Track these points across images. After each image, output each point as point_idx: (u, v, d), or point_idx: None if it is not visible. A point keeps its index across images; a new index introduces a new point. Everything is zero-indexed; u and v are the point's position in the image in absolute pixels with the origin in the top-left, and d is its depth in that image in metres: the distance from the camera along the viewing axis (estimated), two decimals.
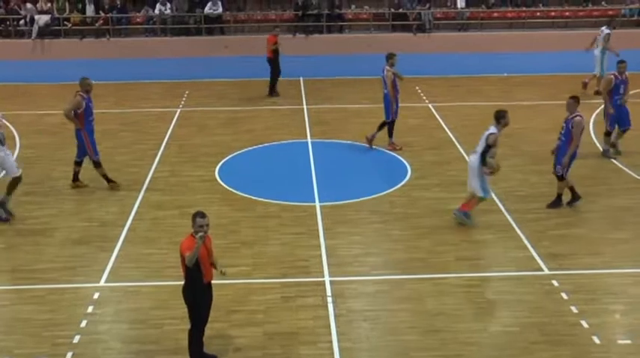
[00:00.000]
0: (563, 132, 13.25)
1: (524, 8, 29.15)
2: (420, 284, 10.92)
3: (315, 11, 28.03)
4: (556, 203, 13.43)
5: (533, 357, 9.19)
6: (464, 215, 12.61)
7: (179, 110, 20.12)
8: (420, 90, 21.33)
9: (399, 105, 16.69)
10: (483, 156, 12.22)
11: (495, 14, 28.96)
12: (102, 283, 10.99)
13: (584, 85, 21.04)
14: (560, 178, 13.29)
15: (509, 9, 29.18)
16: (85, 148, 14.11)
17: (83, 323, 9.90)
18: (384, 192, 14.23)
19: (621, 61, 16.24)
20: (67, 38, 27.56)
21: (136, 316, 10.13)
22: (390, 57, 16.34)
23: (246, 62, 24.94)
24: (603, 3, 29.35)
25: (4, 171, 13.13)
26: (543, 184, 14.07)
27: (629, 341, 9.50)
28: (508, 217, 13.00)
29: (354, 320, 9.99)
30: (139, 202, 13.85)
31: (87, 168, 14.56)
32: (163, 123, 18.78)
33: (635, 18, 28.63)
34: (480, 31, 28.55)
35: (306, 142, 17.26)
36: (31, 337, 9.62)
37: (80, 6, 27.88)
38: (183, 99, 21.29)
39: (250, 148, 16.87)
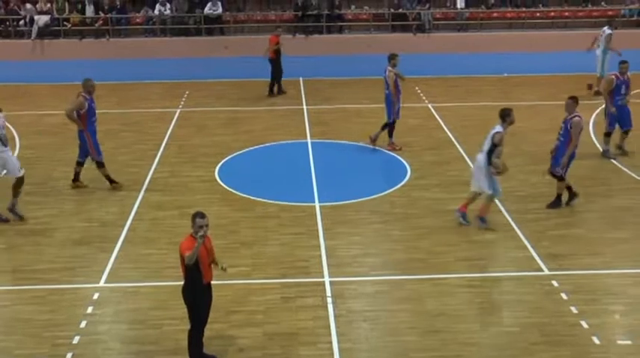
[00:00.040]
0: (561, 132, 13.25)
1: (523, 8, 29.16)
2: (420, 284, 10.92)
3: (315, 12, 28.04)
4: (556, 203, 13.43)
5: None
6: (482, 221, 12.57)
7: (179, 110, 20.12)
8: (419, 91, 21.34)
9: (401, 105, 16.68)
10: (489, 155, 12.21)
11: (495, 14, 28.97)
12: (101, 283, 10.99)
13: (590, 87, 21.00)
14: (560, 178, 13.29)
15: (509, 9, 29.19)
16: (88, 149, 14.12)
17: (83, 324, 9.90)
18: (384, 193, 14.23)
19: (623, 62, 16.21)
20: (66, 38, 27.57)
21: (136, 316, 10.13)
22: (392, 57, 16.35)
23: (245, 62, 24.94)
24: (603, 3, 29.36)
25: (4, 171, 13.11)
26: (543, 184, 14.06)
27: (628, 342, 9.49)
28: (508, 217, 13.00)
29: (353, 320, 9.99)
30: (138, 202, 13.85)
31: (88, 169, 14.58)
32: (163, 124, 18.78)
33: (635, 18, 28.64)
34: (479, 31, 28.56)
35: (306, 143, 17.26)
36: (31, 337, 9.62)
37: (80, 6, 27.90)
38: (183, 99, 21.29)
39: (250, 148, 16.87)
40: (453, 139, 17.32)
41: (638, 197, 14.04)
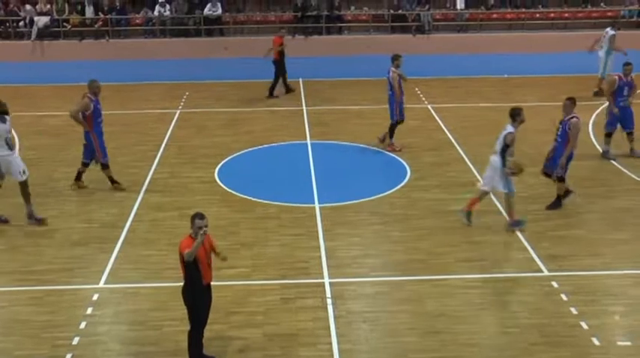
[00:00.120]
0: (559, 133, 13.26)
1: (523, 9, 29.16)
2: (420, 285, 10.91)
3: (315, 12, 28.05)
4: (555, 204, 13.43)
5: None
6: (516, 225, 12.54)
7: (178, 111, 20.12)
8: (419, 92, 21.34)
9: (404, 106, 16.67)
10: (503, 155, 12.21)
11: (494, 15, 28.97)
12: (101, 284, 10.98)
13: (599, 92, 20.89)
14: (560, 179, 13.29)
15: (509, 10, 29.20)
16: (94, 150, 14.12)
17: (82, 325, 9.90)
18: (384, 194, 14.23)
19: (627, 63, 16.17)
20: (66, 39, 27.58)
21: (135, 317, 10.13)
22: (395, 58, 16.35)
23: (245, 63, 24.96)
24: (602, 4, 29.37)
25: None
26: (543, 185, 14.06)
27: (628, 343, 9.49)
28: (508, 218, 12.98)
29: (353, 321, 9.98)
30: (138, 203, 13.85)
31: (90, 170, 14.60)
32: (163, 125, 18.78)
33: (635, 19, 28.65)
34: (479, 32, 28.57)
35: (306, 143, 17.26)
36: (30, 338, 9.62)
37: (79, 7, 27.91)
38: (183, 100, 21.29)
39: (250, 149, 16.87)
40: (452, 140, 17.32)
41: (638, 198, 14.04)
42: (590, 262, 11.59)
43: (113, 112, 19.67)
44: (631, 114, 16.06)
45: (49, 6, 27.63)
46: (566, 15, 29.00)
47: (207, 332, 9.09)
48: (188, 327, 8.93)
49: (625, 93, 15.93)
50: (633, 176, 15.08)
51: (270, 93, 21.44)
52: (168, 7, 27.88)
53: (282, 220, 13.13)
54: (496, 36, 27.92)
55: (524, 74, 23.91)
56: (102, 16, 27.60)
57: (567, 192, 13.48)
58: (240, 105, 20.75)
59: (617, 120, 15.99)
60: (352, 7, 29.36)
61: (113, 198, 14.12)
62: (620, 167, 15.57)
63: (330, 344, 9.44)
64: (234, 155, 16.50)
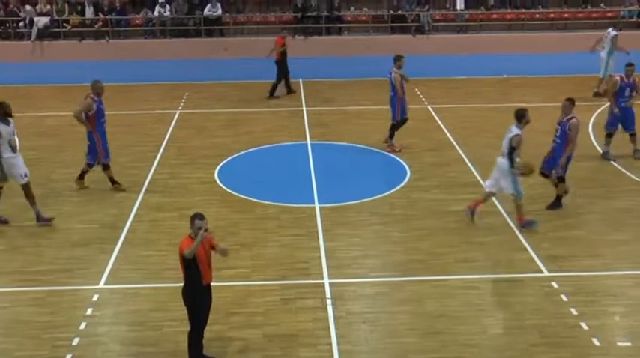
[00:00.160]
0: (558, 134, 13.26)
1: (523, 10, 29.18)
2: (420, 286, 10.91)
3: (314, 13, 28.06)
4: (555, 205, 13.43)
5: None
6: (528, 225, 12.53)
7: (178, 112, 20.12)
8: (419, 92, 21.33)
9: (407, 105, 16.66)
10: (510, 157, 12.20)
11: (494, 16, 28.99)
12: (101, 285, 10.98)
13: (598, 93, 20.88)
14: (560, 179, 13.30)
15: (508, 11, 29.22)
16: (97, 150, 14.12)
17: (82, 325, 9.90)
18: (384, 194, 14.23)
19: (629, 64, 16.13)
20: (66, 40, 27.59)
21: (135, 318, 10.13)
22: (397, 59, 16.34)
23: (245, 64, 24.97)
24: (602, 5, 29.39)
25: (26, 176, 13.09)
26: (542, 186, 14.05)
27: (628, 343, 9.49)
28: (507, 219, 12.99)
29: (353, 322, 9.98)
30: (138, 204, 13.85)
31: (91, 170, 14.61)
32: (163, 125, 18.78)
33: (635, 19, 28.66)
34: (478, 32, 28.58)
35: (306, 144, 17.26)
36: (30, 339, 9.62)
37: (79, 8, 27.91)
38: (183, 101, 21.29)
39: (250, 150, 16.87)
40: (452, 141, 17.32)
41: (638, 198, 14.04)
42: (590, 263, 11.59)
43: (113, 113, 19.58)
44: (632, 115, 16.04)
45: (49, 6, 27.65)
46: (566, 15, 29.02)
47: (207, 333, 9.09)
48: (188, 328, 8.93)
49: (626, 94, 15.91)
50: (633, 177, 15.08)
51: (270, 93, 21.43)
52: (168, 7, 27.90)
53: (281, 221, 13.13)
54: (496, 36, 27.94)
55: (524, 74, 23.91)
56: (102, 16, 27.61)
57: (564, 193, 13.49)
58: (240, 106, 20.75)
59: (618, 120, 15.98)
60: (352, 8, 29.38)
61: (113, 199, 14.12)
62: (619, 168, 15.57)
63: (330, 344, 9.44)
64: (234, 156, 16.50)
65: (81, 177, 14.47)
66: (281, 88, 21.60)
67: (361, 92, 21.89)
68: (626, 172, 15.31)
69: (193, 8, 28.14)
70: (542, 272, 11.27)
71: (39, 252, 12.04)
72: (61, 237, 12.54)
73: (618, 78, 16.10)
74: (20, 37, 27.57)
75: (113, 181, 14.44)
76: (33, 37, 27.04)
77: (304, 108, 20.35)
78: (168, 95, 21.96)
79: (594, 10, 29.11)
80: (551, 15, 29.18)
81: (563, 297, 10.52)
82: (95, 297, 10.62)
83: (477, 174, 15.12)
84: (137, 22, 28.37)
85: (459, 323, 9.91)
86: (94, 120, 13.98)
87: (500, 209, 13.30)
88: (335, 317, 10.00)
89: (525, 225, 12.54)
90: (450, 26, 28.99)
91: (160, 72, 24.53)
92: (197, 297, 8.76)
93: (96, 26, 27.57)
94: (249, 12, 29.28)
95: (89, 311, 10.26)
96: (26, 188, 12.83)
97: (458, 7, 28.85)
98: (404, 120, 16.58)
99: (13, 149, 12.68)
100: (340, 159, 16.36)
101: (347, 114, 19.82)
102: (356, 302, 10.48)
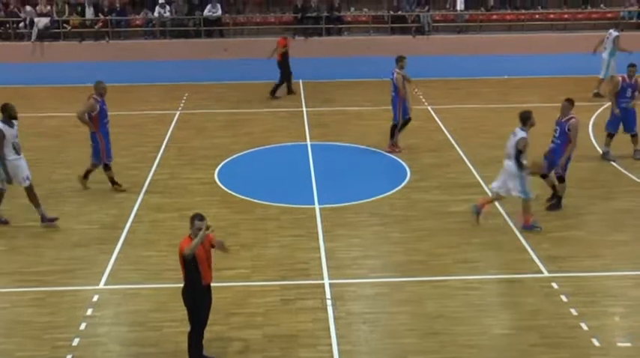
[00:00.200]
0: (556, 135, 13.26)
1: (523, 11, 29.19)
2: (420, 286, 10.91)
3: (315, 14, 28.06)
4: (555, 205, 13.43)
5: None
6: (531, 228, 12.54)
7: (178, 112, 20.13)
8: (419, 93, 21.33)
9: (409, 105, 16.66)
10: (518, 160, 12.19)
11: (494, 17, 29.01)
12: (101, 286, 10.98)
13: (598, 93, 20.87)
14: (560, 180, 13.30)
15: (508, 11, 29.23)
16: (99, 151, 14.13)
17: (82, 326, 9.90)
18: (384, 195, 14.23)
19: (631, 65, 16.09)
20: (66, 41, 27.61)
21: (135, 318, 10.13)
22: (399, 59, 16.33)
23: (245, 65, 24.98)
24: (602, 5, 29.40)
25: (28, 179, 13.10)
26: (542, 187, 14.04)
27: (628, 344, 9.49)
28: (507, 220, 12.99)
29: (353, 322, 9.98)
30: (138, 205, 13.86)
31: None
32: (162, 126, 18.78)
33: (635, 20, 28.66)
34: (478, 33, 28.59)
35: (306, 145, 17.26)
36: (31, 340, 9.62)
37: (79, 9, 27.92)
38: (183, 101, 21.30)
39: (249, 151, 16.87)
40: (452, 141, 17.32)
41: (638, 199, 14.04)
42: (590, 263, 11.59)
43: (113, 113, 19.41)
44: (634, 116, 16.00)
45: (49, 7, 27.66)
46: (566, 16, 29.03)
47: (207, 333, 9.09)
48: (188, 328, 8.93)
49: (628, 94, 15.87)
50: (633, 177, 15.08)
51: (272, 93, 21.42)
52: (168, 8, 27.91)
53: (282, 221, 13.13)
54: (496, 37, 27.95)
55: (524, 75, 23.92)
56: (102, 17, 27.62)
57: (554, 195, 13.47)
58: (240, 107, 20.76)
59: (619, 121, 15.96)
60: (352, 9, 29.40)
61: (113, 200, 14.13)
62: (620, 168, 15.57)
63: (330, 345, 9.43)
64: (234, 156, 16.50)
65: (85, 176, 14.48)
66: (282, 89, 21.60)
67: (361, 93, 21.90)
68: (627, 173, 15.31)
69: (193, 9, 28.16)
70: (542, 272, 11.27)
71: (39, 252, 12.04)
72: (61, 238, 12.54)
73: (620, 78, 16.08)
74: (20, 37, 27.58)
75: (113, 182, 14.46)
76: (33, 37, 27.06)
77: (304, 109, 20.35)
78: (168, 96, 21.96)
79: (594, 10, 29.12)
80: (551, 15, 29.19)
81: (563, 298, 10.52)
82: (95, 298, 10.62)
83: (477, 175, 15.12)
84: (137, 22, 28.39)
85: (459, 323, 9.91)
86: (97, 120, 14.01)
87: (501, 210, 13.30)
88: (335, 318, 10.00)
89: (528, 228, 12.53)
90: (449, 27, 29.01)
91: (159, 72, 24.54)
92: (197, 298, 8.76)
93: (96, 27, 27.59)
94: (249, 12, 29.30)
95: (89, 311, 10.26)
96: (29, 191, 12.84)
97: (458, 8, 28.86)
98: (407, 121, 16.57)
99: (17, 151, 12.69)
100: (340, 160, 16.36)
101: (347, 114, 19.82)
102: (356, 303, 10.48)
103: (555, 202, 13.45)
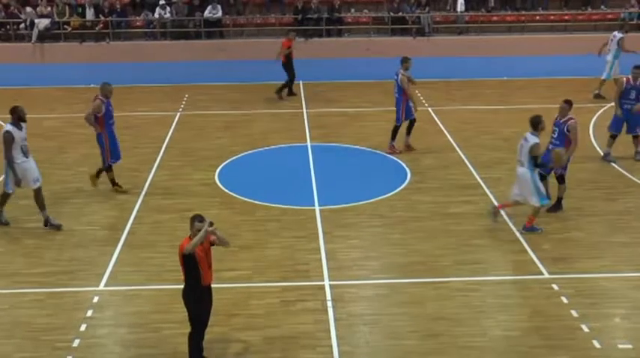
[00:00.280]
0: (555, 136, 13.25)
1: (523, 12, 29.19)
2: (420, 288, 10.91)
3: (315, 15, 28.06)
4: (556, 207, 13.42)
5: None
6: (532, 230, 12.52)
7: (179, 114, 20.13)
8: (419, 94, 21.31)
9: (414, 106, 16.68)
10: (536, 164, 12.15)
11: (495, 18, 29.01)
12: (101, 287, 10.97)
13: (599, 94, 20.85)
14: (561, 181, 13.29)
15: (509, 12, 29.23)
16: (104, 151, 14.13)
17: (82, 327, 9.89)
18: (384, 196, 14.22)
19: (637, 67, 15.94)
20: (66, 42, 27.61)
21: (136, 320, 10.12)
22: (404, 61, 16.33)
23: (245, 66, 24.98)
24: (603, 7, 29.39)
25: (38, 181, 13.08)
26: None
27: (629, 346, 9.48)
28: (508, 221, 12.98)
29: (353, 324, 9.98)
30: (138, 206, 13.85)
31: (89, 172, 14.59)
32: (163, 127, 18.78)
33: (635, 22, 28.65)
34: (479, 34, 28.58)
35: (306, 146, 17.26)
36: (30, 341, 9.61)
37: (80, 10, 27.93)
38: (183, 103, 21.29)
39: (250, 152, 16.87)
40: (453, 143, 17.31)
41: (639, 200, 14.03)
42: (590, 264, 11.58)
43: (114, 114, 19.67)
44: (636, 117, 15.96)
45: (49, 8, 27.66)
46: (567, 17, 29.03)
47: (208, 335, 9.08)
48: (188, 330, 8.92)
49: (631, 96, 15.76)
50: (634, 178, 15.07)
51: (277, 92, 21.42)
52: (168, 9, 27.91)
53: (282, 222, 13.13)
54: (496, 38, 27.95)
55: (525, 76, 23.92)
56: (102, 18, 27.62)
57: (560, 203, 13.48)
58: (240, 108, 20.75)
59: (622, 122, 15.92)
60: (352, 10, 29.39)
61: (113, 201, 14.12)
62: (620, 169, 15.56)
63: (331, 346, 9.43)
64: (235, 157, 16.50)
65: (97, 174, 14.48)
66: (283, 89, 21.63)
67: (362, 94, 21.90)
68: (627, 174, 15.30)
69: (194, 10, 28.15)
70: (542, 274, 11.26)
71: (39, 253, 12.03)
72: (61, 239, 12.53)
73: (625, 79, 16.04)
74: (21, 38, 27.57)
75: (114, 183, 14.46)
76: (33, 38, 27.05)
77: (304, 110, 20.35)
78: (168, 97, 21.96)
79: (594, 12, 29.13)
80: (552, 17, 29.19)
81: (564, 299, 10.51)
82: (95, 299, 10.61)
83: (477, 177, 15.12)
84: (137, 23, 28.39)
85: (459, 325, 9.90)
86: (102, 121, 14.03)
87: (501, 211, 13.28)
88: (335, 319, 9.99)
89: (530, 229, 12.52)
90: (450, 28, 29.01)
91: (160, 73, 24.53)
92: (197, 299, 8.75)
93: (96, 28, 27.59)
94: (250, 14, 29.30)
95: (89, 313, 10.25)
96: (37, 192, 12.83)
97: (458, 9, 28.85)
98: (412, 122, 16.55)
99: (25, 154, 12.68)
100: (340, 161, 16.36)
101: (347, 115, 19.82)
102: (356, 304, 10.47)
103: (556, 203, 13.44)
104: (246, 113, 20.16)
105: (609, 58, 21.00)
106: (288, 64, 21.38)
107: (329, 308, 10.25)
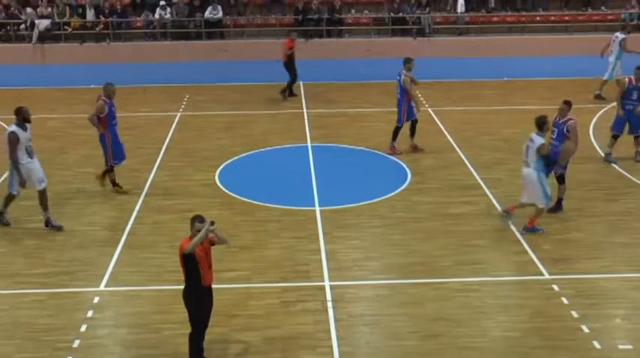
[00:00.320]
0: (554, 136, 13.25)
1: (523, 13, 29.16)
2: (420, 288, 10.91)
3: (315, 16, 28.06)
4: (556, 207, 13.41)
5: None
6: (533, 231, 12.53)
7: (179, 114, 20.13)
8: (419, 95, 21.31)
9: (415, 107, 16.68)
10: (548, 165, 12.16)
11: (495, 18, 28.99)
12: (102, 287, 10.98)
13: (600, 95, 20.85)
14: (561, 181, 13.30)
15: (509, 13, 29.21)
16: (107, 152, 14.14)
17: (83, 328, 9.90)
18: (384, 197, 14.22)
19: (639, 67, 15.98)
20: (67, 42, 27.60)
21: (136, 320, 10.13)
22: (407, 61, 16.31)
23: (246, 67, 24.97)
24: (603, 7, 29.38)
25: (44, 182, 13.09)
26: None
27: (630, 346, 9.48)
28: (508, 221, 12.98)
29: (353, 324, 9.98)
30: (139, 206, 13.86)
31: (89, 173, 14.59)
32: (163, 128, 18.78)
33: (635, 22, 28.63)
34: (479, 35, 28.56)
35: (306, 146, 17.26)
36: (31, 341, 9.62)
37: (80, 10, 27.93)
38: (183, 103, 21.30)
39: (250, 152, 16.87)
40: (453, 143, 17.31)
41: (639, 201, 14.03)
42: (591, 265, 11.58)
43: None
44: (638, 118, 15.92)
45: (50, 9, 27.66)
46: (567, 18, 29.01)
47: (208, 335, 9.08)
48: (189, 330, 8.92)
49: (633, 97, 15.73)
50: (634, 179, 15.07)
51: (282, 92, 21.42)
52: (169, 10, 27.91)
53: (282, 223, 13.13)
54: (496, 39, 27.93)
55: (525, 77, 23.91)
56: (103, 19, 27.62)
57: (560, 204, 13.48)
58: (240, 108, 20.76)
59: (624, 122, 15.91)
60: (353, 11, 29.38)
61: (114, 201, 14.13)
62: (621, 170, 15.56)
63: (331, 347, 9.43)
64: (235, 158, 16.50)
65: (104, 174, 14.48)
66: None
67: (362, 94, 21.90)
68: (628, 175, 15.30)
69: (194, 10, 28.14)
70: (542, 274, 11.26)
71: (40, 254, 12.04)
72: (62, 240, 12.54)
73: (627, 80, 16.02)
74: (21, 39, 27.57)
75: (114, 183, 14.46)
76: (34, 39, 27.05)
77: (305, 111, 20.35)
78: (168, 97, 21.96)
79: (595, 12, 29.11)
80: (552, 18, 29.17)
81: (564, 300, 10.51)
82: (96, 300, 10.62)
83: (477, 177, 15.12)
84: (138, 24, 28.38)
85: (459, 325, 9.91)
86: (105, 122, 14.03)
87: (501, 211, 13.28)
88: (335, 320, 10.00)
89: (530, 230, 12.52)
90: (450, 29, 29.00)
91: (160, 74, 24.53)
92: (198, 299, 8.76)
93: (97, 29, 27.59)
94: (250, 14, 29.30)
95: (90, 313, 10.26)
96: (42, 193, 12.84)
97: (458, 10, 28.83)
98: (414, 123, 16.55)
99: (30, 155, 12.69)
100: (341, 162, 16.36)
101: (347, 116, 19.82)
102: (356, 305, 10.48)
103: (556, 204, 13.43)
104: (247, 114, 20.16)
105: (611, 58, 20.98)
106: (289, 64, 21.39)
107: (329, 309, 10.25)
